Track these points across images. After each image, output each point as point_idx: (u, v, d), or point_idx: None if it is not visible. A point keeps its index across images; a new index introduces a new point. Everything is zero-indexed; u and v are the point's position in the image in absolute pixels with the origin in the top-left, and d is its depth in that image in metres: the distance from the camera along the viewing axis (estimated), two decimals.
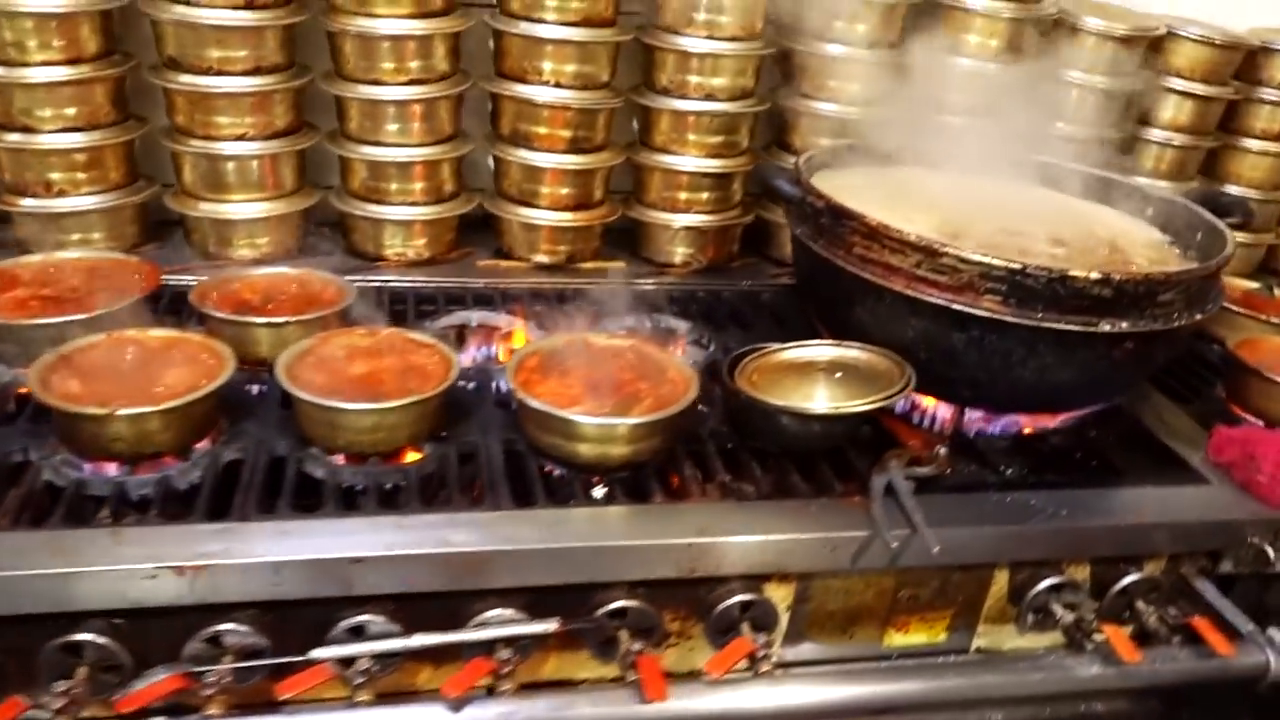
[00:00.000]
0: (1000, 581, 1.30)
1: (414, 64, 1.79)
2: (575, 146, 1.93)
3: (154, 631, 1.05)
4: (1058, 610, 1.31)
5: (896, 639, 1.31)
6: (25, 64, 1.53)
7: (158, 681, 1.00)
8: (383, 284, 1.85)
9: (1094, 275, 1.26)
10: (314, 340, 1.43)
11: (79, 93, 1.66)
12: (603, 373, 1.37)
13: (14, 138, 1.56)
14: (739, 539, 1.20)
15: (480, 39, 1.75)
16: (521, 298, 1.84)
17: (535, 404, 1.27)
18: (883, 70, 1.82)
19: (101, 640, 1.03)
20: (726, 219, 2.02)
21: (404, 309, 1.78)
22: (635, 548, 1.18)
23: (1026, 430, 1.43)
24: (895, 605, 1.29)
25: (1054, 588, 1.30)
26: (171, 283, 1.70)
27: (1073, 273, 1.26)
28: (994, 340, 1.31)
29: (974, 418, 1.43)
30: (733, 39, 1.89)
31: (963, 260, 1.30)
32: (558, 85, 1.86)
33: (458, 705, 1.05)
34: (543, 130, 1.91)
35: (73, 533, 1.08)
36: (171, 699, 1.04)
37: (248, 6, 1.59)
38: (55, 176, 1.62)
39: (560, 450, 1.29)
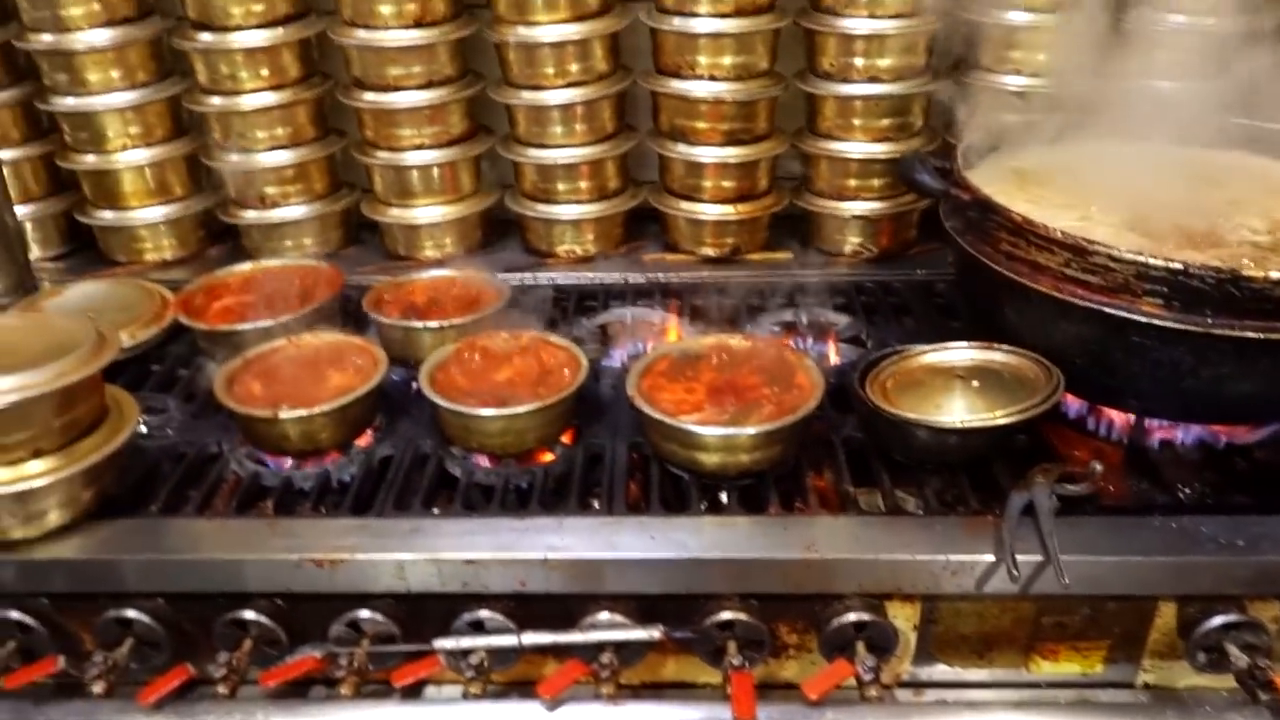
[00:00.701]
0: (1167, 614, 1.20)
1: (574, 66, 1.82)
2: (734, 139, 1.90)
3: (307, 613, 1.15)
4: (1232, 652, 1.17)
5: (1045, 666, 1.23)
6: (239, 92, 1.69)
7: (295, 661, 1.10)
8: (551, 280, 1.90)
9: (1274, 275, 1.10)
10: (460, 345, 1.50)
11: (285, 115, 1.83)
12: (730, 377, 1.38)
13: (235, 158, 1.73)
14: (849, 557, 1.17)
15: (644, 32, 1.87)
16: (682, 292, 1.85)
17: (651, 412, 1.29)
18: (1074, 36, 1.63)
19: (263, 619, 1.14)
20: (900, 205, 1.93)
21: (567, 305, 1.83)
22: (741, 561, 1.16)
23: (1222, 443, 1.30)
24: (1039, 632, 1.21)
25: (1228, 626, 1.16)
26: (365, 283, 1.81)
27: (1246, 273, 1.11)
28: (1157, 347, 1.20)
29: (1158, 426, 1.32)
30: (897, 16, 1.81)
31: (1114, 259, 1.19)
32: (713, 78, 1.83)
33: (553, 705, 1.08)
34: (701, 125, 1.88)
35: (241, 522, 1.19)
36: (312, 674, 1.12)
37: (418, 25, 1.68)
38: (270, 190, 1.78)
39: (679, 457, 1.31)
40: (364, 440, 1.36)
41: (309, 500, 1.26)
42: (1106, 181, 1.51)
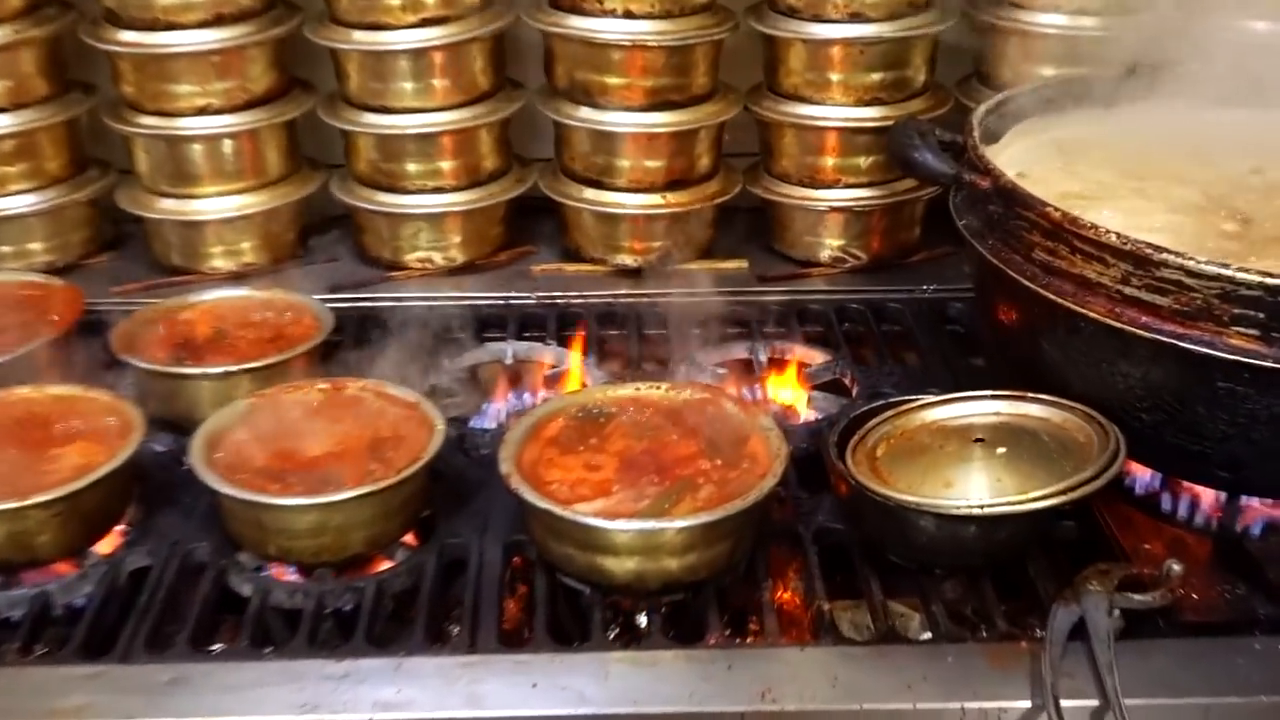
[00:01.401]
0: None
1: None
2: (662, 100, 1.87)
3: None
4: None
5: None
6: None
7: None
8: (397, 303, 1.86)
9: None
10: (257, 400, 1.45)
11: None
12: (652, 445, 1.39)
13: None
14: (824, 708, 1.17)
15: None
16: (587, 319, 1.84)
17: (536, 499, 1.28)
18: None
19: None
20: (897, 194, 1.91)
21: (420, 339, 1.78)
22: (668, 719, 1.17)
23: None
24: None
25: None
26: (121, 308, 1.75)
27: None
28: (1253, 396, 1.22)
29: (1257, 506, 1.36)
30: None
31: (1192, 273, 1.20)
32: (629, 14, 1.81)
33: None
34: (614, 80, 1.85)
35: None
36: None
37: None
38: None
39: (576, 564, 1.30)
40: (107, 545, 1.34)
41: (17, 639, 1.23)
42: (1181, 163, 1.53)
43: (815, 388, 1.72)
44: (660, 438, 1.43)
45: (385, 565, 1.37)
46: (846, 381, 1.73)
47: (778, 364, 1.76)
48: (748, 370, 1.74)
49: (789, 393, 1.71)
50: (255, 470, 1.34)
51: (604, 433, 1.45)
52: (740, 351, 1.78)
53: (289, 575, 1.34)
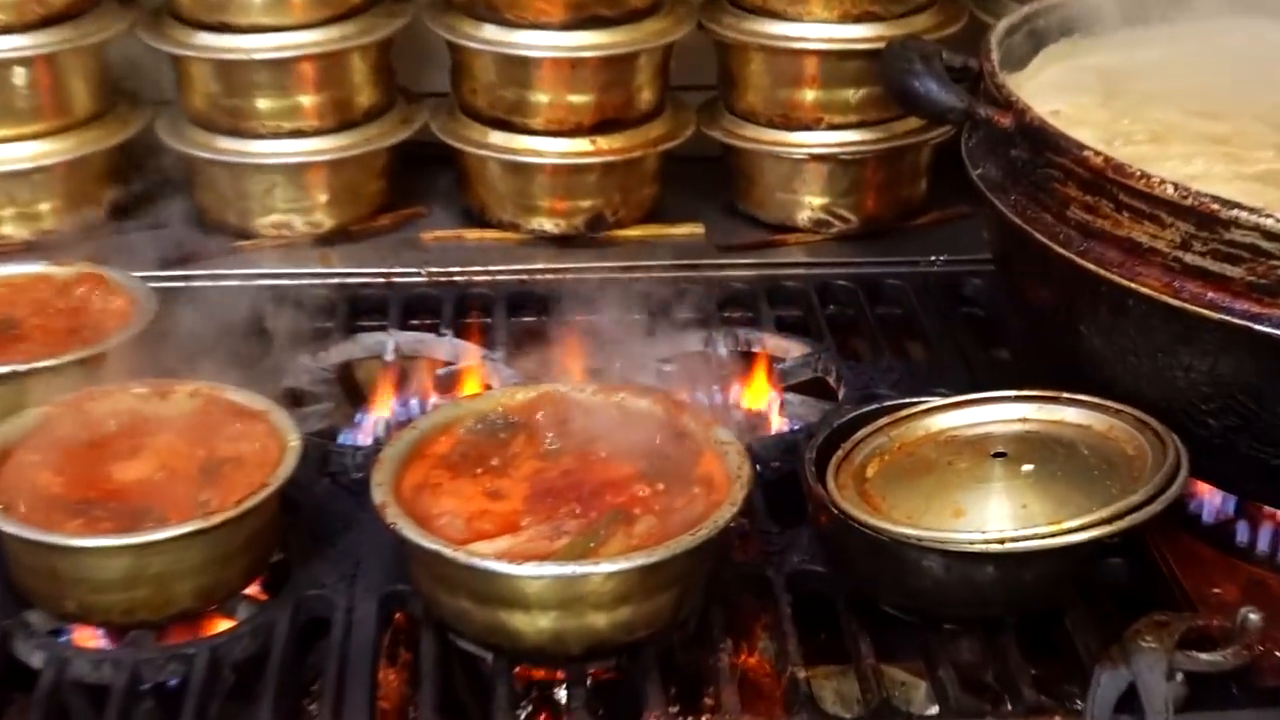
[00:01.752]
0: None
1: None
2: (590, 15, 1.89)
3: None
4: None
5: None
6: None
7: None
8: (244, 282, 1.88)
9: None
10: (53, 409, 1.44)
11: None
12: (574, 467, 1.40)
13: None
14: None
15: None
16: (493, 302, 1.86)
17: (418, 537, 1.29)
18: None
19: None
20: (895, 138, 1.95)
21: (274, 328, 1.79)
22: None
23: None
24: None
25: None
26: None
27: None
28: None
29: None
30: None
31: (1272, 235, 1.21)
32: None
33: None
34: None
35: None
36: None
37: None
38: None
39: (475, 623, 1.31)
40: None
41: None
42: (1259, 96, 1.55)
43: (790, 389, 1.72)
44: (585, 456, 1.43)
45: (223, 626, 1.37)
46: (830, 381, 1.74)
47: (742, 359, 1.77)
48: (702, 367, 1.75)
49: (755, 396, 1.72)
50: (49, 501, 1.33)
51: (511, 450, 1.45)
52: (693, 343, 1.79)
53: (94, 640, 1.34)
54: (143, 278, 1.73)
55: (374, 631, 1.38)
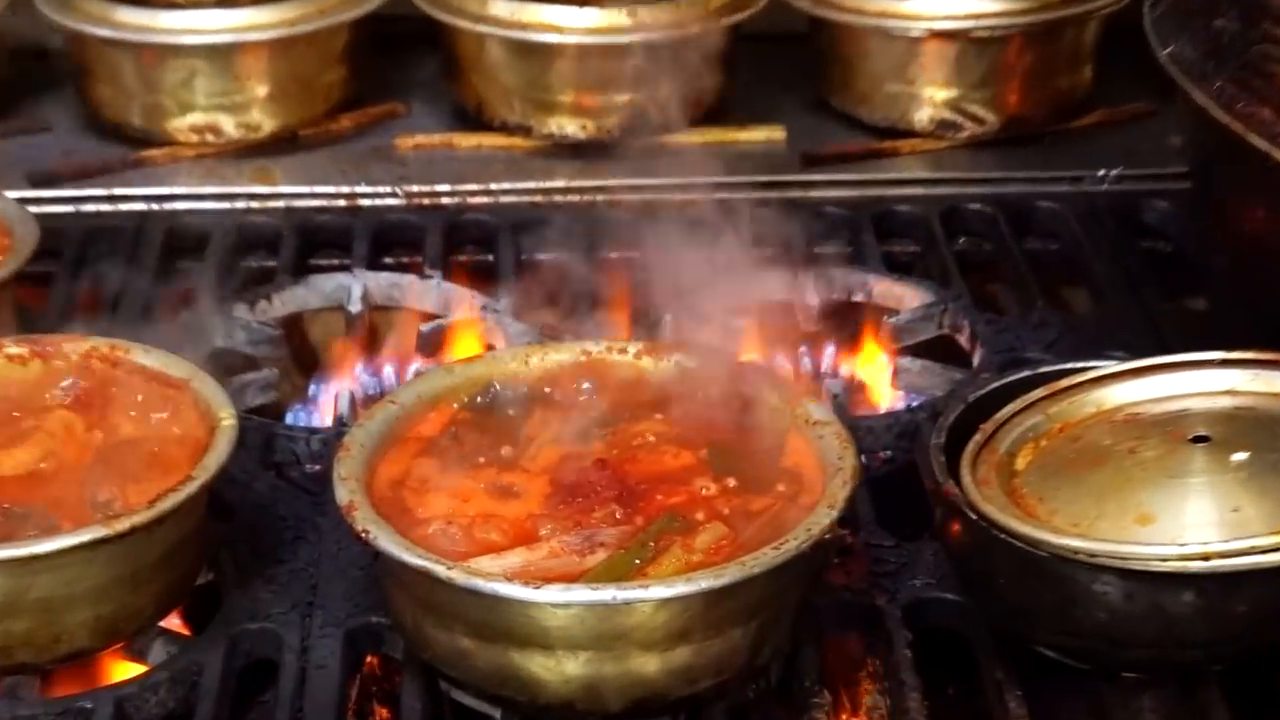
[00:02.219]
0: None
1: None
2: None
3: None
4: None
5: None
6: None
7: None
8: (155, 205, 1.91)
9: None
10: None
11: None
12: (610, 453, 1.43)
13: None
14: None
15: None
16: (497, 234, 1.90)
17: (399, 550, 1.29)
18: None
19: None
20: (1051, 6, 1.98)
21: (196, 270, 1.82)
22: None
23: None
24: None
25: None
26: None
27: None
28: None
29: None
30: None
31: None
32: None
33: None
34: None
35: None
36: None
37: None
38: None
39: (478, 668, 1.33)
40: None
41: None
42: None
43: (906, 351, 1.73)
44: (627, 441, 1.43)
45: (131, 671, 1.38)
46: (961, 340, 1.75)
47: (839, 310, 1.78)
48: (786, 322, 1.76)
49: (859, 361, 1.73)
50: None
51: (524, 432, 1.45)
52: (772, 288, 1.80)
53: None
54: (17, 200, 1.74)
55: (338, 680, 1.38)
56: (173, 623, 1.42)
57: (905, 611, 1.43)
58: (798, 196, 1.88)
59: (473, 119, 1.97)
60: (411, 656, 1.38)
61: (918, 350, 1.71)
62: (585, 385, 1.49)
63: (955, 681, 1.40)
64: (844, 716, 1.39)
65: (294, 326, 1.74)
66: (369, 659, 1.43)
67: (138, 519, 1.33)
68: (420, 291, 1.77)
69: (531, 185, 1.89)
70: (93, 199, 1.86)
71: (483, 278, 1.80)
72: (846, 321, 1.74)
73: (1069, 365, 1.48)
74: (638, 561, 1.30)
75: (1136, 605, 1.31)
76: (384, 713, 1.40)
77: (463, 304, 1.73)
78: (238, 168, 1.93)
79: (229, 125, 1.91)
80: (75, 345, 1.51)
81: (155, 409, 1.46)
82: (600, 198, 1.86)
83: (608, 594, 1.26)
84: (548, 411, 1.47)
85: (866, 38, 1.96)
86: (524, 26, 1.90)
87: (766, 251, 1.80)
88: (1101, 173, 1.89)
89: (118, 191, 1.87)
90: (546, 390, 1.48)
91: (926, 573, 1.45)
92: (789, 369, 1.65)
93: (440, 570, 1.27)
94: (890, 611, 1.43)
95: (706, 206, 1.82)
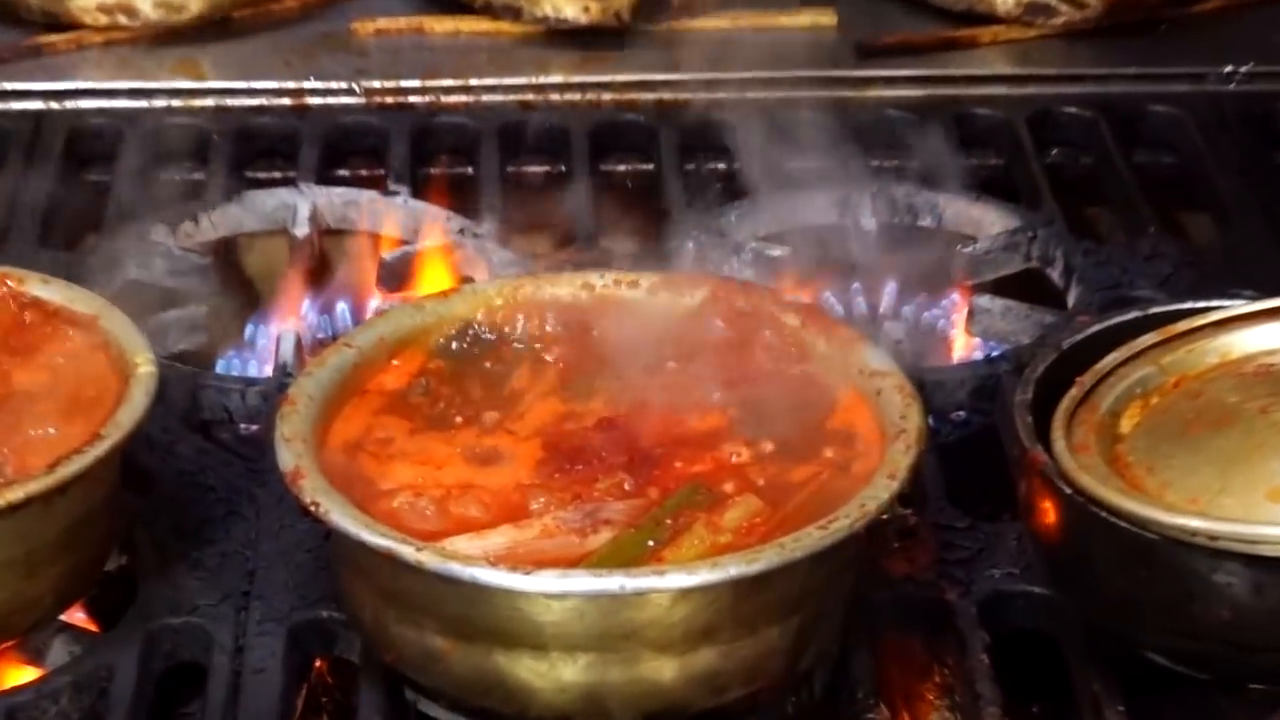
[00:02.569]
0: None
1: None
2: None
3: None
4: None
5: None
6: None
7: None
8: (57, 102, 1.93)
9: None
10: None
11: None
12: (618, 410, 1.45)
13: None
14: None
15: None
16: (478, 141, 1.91)
17: (357, 528, 1.29)
18: None
19: None
20: None
21: (102, 183, 1.85)
22: None
23: None
24: None
25: None
26: None
27: None
28: None
29: None
30: None
31: None
32: None
33: None
34: None
35: None
36: None
37: None
38: None
39: (454, 673, 1.34)
40: None
41: None
42: None
43: (985, 288, 1.74)
44: (639, 396, 1.44)
45: (24, 675, 1.40)
46: (1054, 275, 1.76)
47: (903, 236, 1.80)
48: (837, 250, 1.77)
49: (926, 299, 1.74)
50: None
51: (511, 385, 1.47)
52: (820, 209, 1.81)
53: None
54: None
55: (279, 687, 1.39)
56: (76, 616, 1.43)
57: (981, 608, 1.44)
58: (851, 96, 1.89)
59: None
60: (371, 659, 1.38)
61: (999, 287, 1.72)
62: (585, 328, 1.49)
63: (1042, 694, 1.42)
64: None
65: (226, 254, 1.75)
66: (318, 662, 1.44)
67: (33, 487, 1.33)
68: (382, 211, 1.78)
69: (521, 81, 1.90)
70: None
71: (460, 195, 1.81)
72: (911, 251, 1.75)
73: (1186, 305, 1.48)
74: (651, 543, 1.31)
75: (1267, 600, 1.31)
76: None
77: (435, 227, 1.74)
78: (157, 58, 1.93)
79: (145, 4, 1.88)
80: None
81: (55, 352, 1.47)
82: (606, 97, 1.87)
83: (614, 582, 1.25)
84: (539, 360, 1.47)
85: None
86: None
87: (812, 164, 1.81)
88: (1229, 69, 1.89)
89: (9, 86, 1.88)
90: (538, 333, 1.49)
91: (1008, 561, 1.45)
92: (839, 309, 1.66)
93: (408, 552, 1.26)
94: (963, 608, 1.43)
95: (738, 108, 1.82)
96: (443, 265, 1.73)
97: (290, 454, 1.35)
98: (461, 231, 1.75)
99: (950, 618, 1.44)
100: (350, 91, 1.91)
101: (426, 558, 1.26)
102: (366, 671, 1.39)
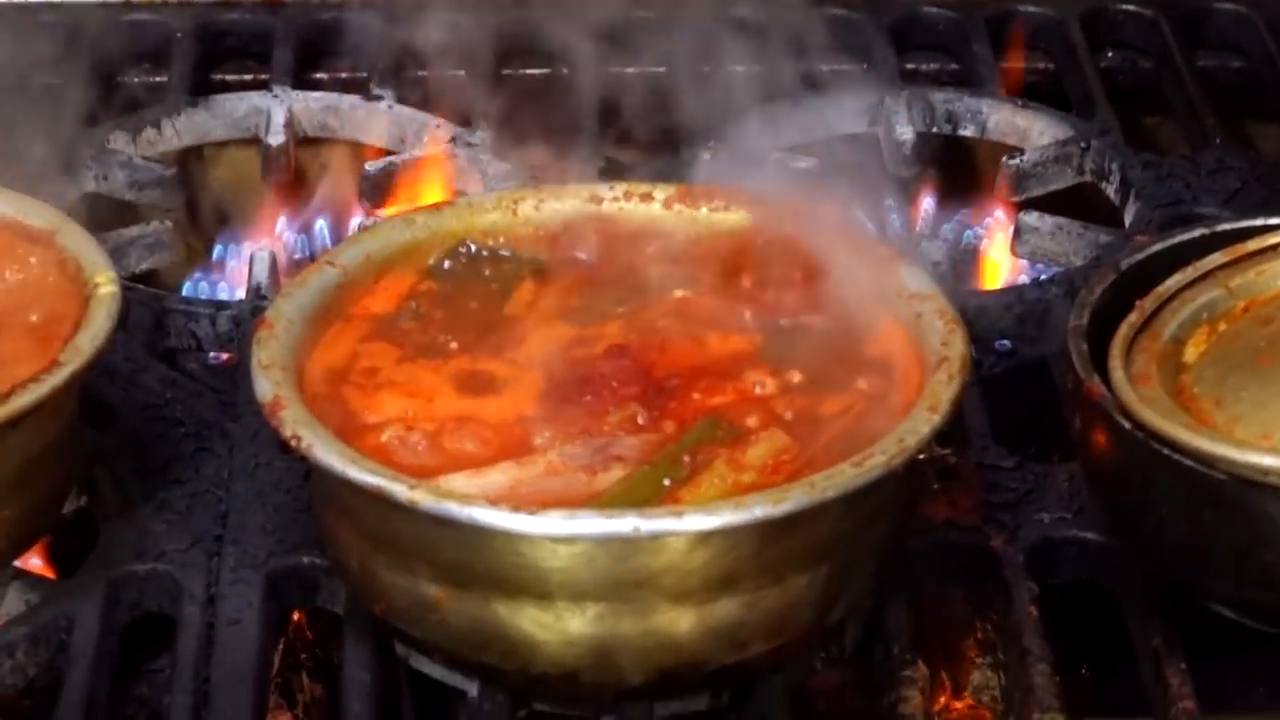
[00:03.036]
0: None
1: None
2: None
3: None
4: None
5: None
6: None
7: None
8: None
9: None
10: None
11: None
12: (632, 336, 1.45)
13: None
14: None
15: None
16: (467, 38, 1.88)
17: (342, 464, 1.30)
18: None
19: None
20: None
21: (52, 83, 1.84)
22: None
23: None
24: None
25: None
26: None
27: None
28: None
29: None
30: None
31: None
32: None
33: None
34: None
35: None
36: None
37: None
38: None
39: (450, 626, 1.35)
40: None
41: None
42: None
43: (1034, 204, 1.74)
44: (652, 320, 1.45)
45: None
46: (1109, 190, 1.77)
47: (942, 146, 1.82)
48: (869, 162, 1.77)
49: (969, 215, 1.77)
50: None
51: (510, 308, 1.48)
52: (849, 117, 1.84)
53: None
54: None
55: (256, 642, 1.40)
56: (32, 563, 1.44)
57: (1029, 556, 1.44)
58: None
59: None
60: (357, 610, 1.39)
61: (1049, 203, 1.72)
62: (595, 243, 1.50)
63: (1096, 651, 1.43)
64: (944, 698, 1.41)
65: (192, 164, 1.77)
66: (297, 614, 1.45)
67: None
68: (365, 117, 1.79)
69: None
70: None
71: (451, 97, 1.81)
72: (950, 163, 1.78)
73: (1256, 222, 1.48)
74: (668, 481, 1.32)
75: None
76: (317, 689, 1.43)
77: (424, 134, 1.75)
78: None
79: None
80: None
81: (6, 270, 1.48)
82: None
83: (627, 524, 1.26)
84: (543, 280, 1.48)
85: None
86: None
87: (840, 65, 1.81)
88: None
89: None
90: (540, 251, 1.50)
91: (1059, 504, 1.46)
92: (872, 227, 1.66)
93: (399, 491, 1.27)
94: (1009, 556, 1.44)
95: (760, 2, 1.82)
96: (432, 178, 1.73)
97: (268, 383, 1.35)
98: (453, 140, 1.75)
99: (995, 567, 1.45)
100: None
101: (420, 497, 1.27)
102: (352, 624, 1.40)
